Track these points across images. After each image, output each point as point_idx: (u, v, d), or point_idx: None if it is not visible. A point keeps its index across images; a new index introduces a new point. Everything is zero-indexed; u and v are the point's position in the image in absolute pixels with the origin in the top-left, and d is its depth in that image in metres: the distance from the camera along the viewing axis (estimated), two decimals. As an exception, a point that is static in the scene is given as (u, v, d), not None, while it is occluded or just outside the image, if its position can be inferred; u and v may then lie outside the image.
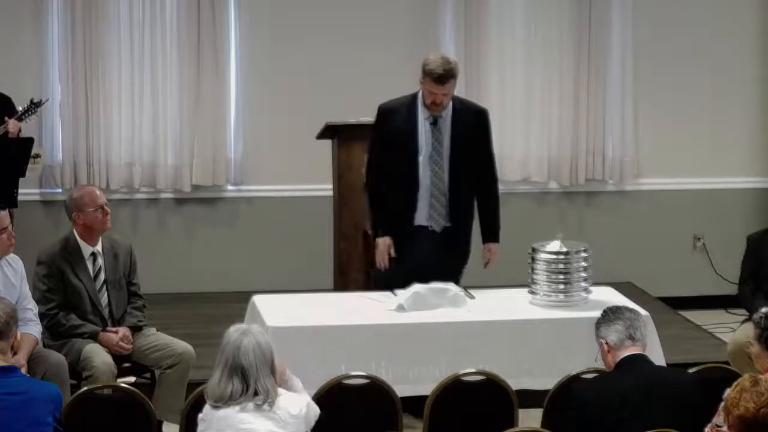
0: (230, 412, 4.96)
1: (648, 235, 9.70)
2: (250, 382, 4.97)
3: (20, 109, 8.22)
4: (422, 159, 7.17)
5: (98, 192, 6.84)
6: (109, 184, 9.10)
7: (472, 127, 7.23)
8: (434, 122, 7.17)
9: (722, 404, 4.54)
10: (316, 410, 5.19)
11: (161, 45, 9.14)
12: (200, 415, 5.06)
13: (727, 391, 4.49)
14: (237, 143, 9.32)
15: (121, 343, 6.68)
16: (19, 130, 8.18)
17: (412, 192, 7.19)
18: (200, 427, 5.04)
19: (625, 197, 9.76)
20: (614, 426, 5.19)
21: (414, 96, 7.21)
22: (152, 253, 8.82)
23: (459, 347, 6.51)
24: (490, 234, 7.40)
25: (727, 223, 9.62)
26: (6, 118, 8.12)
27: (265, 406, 4.97)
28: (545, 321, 6.73)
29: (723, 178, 9.78)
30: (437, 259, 7.18)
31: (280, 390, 5.07)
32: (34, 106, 8.26)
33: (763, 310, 5.56)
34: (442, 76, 7.01)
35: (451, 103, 7.18)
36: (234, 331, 5.11)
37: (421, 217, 7.23)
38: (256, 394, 4.97)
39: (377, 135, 7.28)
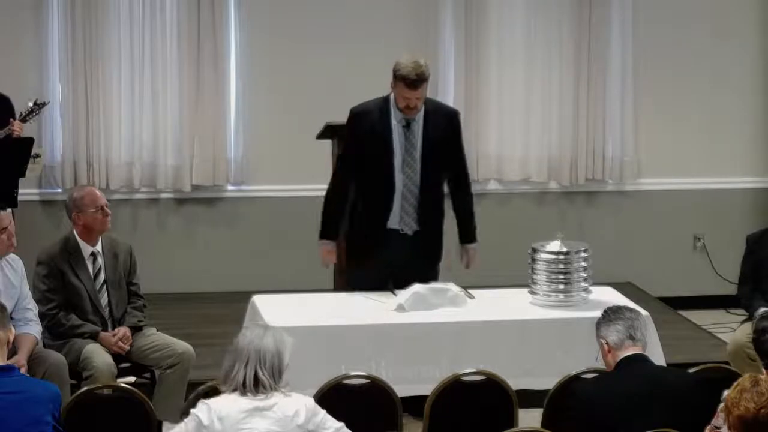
0: (231, 413, 4.95)
1: (648, 235, 9.71)
2: (237, 363, 4.98)
3: (24, 110, 8.22)
4: (396, 162, 7.15)
5: (99, 193, 6.85)
6: (109, 184, 9.10)
7: (443, 130, 7.18)
8: (407, 125, 7.13)
9: (721, 405, 4.54)
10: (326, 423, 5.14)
11: (161, 45, 9.14)
12: (194, 411, 5.04)
13: (725, 393, 4.49)
14: (237, 143, 9.32)
15: (120, 343, 6.68)
16: (21, 131, 8.19)
17: (388, 195, 7.15)
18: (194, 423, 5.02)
19: (625, 197, 9.76)
20: (614, 426, 5.19)
21: (386, 99, 7.16)
22: (152, 253, 8.81)
23: (459, 347, 6.51)
24: (467, 235, 7.36)
25: (727, 223, 9.62)
26: (11, 120, 8.12)
27: (263, 401, 4.97)
28: (545, 321, 6.73)
29: (723, 178, 9.78)
30: (410, 262, 7.15)
31: (278, 394, 5.05)
32: (37, 107, 8.26)
33: (760, 312, 5.56)
34: (415, 81, 6.94)
35: (423, 106, 7.16)
36: (252, 324, 5.17)
37: (393, 221, 7.19)
38: (256, 386, 4.97)
39: (350, 138, 7.24)
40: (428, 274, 7.12)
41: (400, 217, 7.18)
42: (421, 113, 7.13)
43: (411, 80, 6.94)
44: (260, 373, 4.99)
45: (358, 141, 7.17)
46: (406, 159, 7.14)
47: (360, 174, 7.18)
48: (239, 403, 4.98)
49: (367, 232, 7.21)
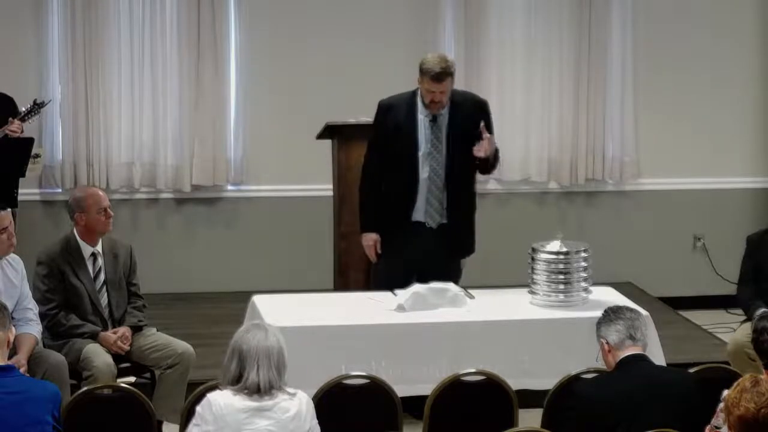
0: (234, 412, 4.95)
1: (648, 235, 9.71)
2: (247, 367, 4.97)
3: (23, 109, 8.22)
4: (421, 155, 7.19)
5: (101, 194, 6.85)
6: (109, 184, 9.10)
7: (470, 119, 7.21)
8: (433, 119, 7.19)
9: (721, 405, 4.55)
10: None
11: (161, 45, 9.14)
12: (198, 409, 5.03)
13: (725, 392, 4.50)
14: (237, 143, 9.32)
15: (119, 342, 6.68)
16: (21, 131, 8.19)
17: (412, 188, 7.20)
18: (196, 422, 5.02)
19: (625, 197, 9.76)
20: (614, 426, 5.19)
21: (414, 93, 7.24)
22: (152, 253, 8.81)
23: (459, 347, 6.51)
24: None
25: (727, 223, 9.62)
26: (10, 119, 8.12)
27: (266, 402, 4.96)
28: (545, 321, 6.73)
29: (723, 178, 9.78)
30: (434, 255, 7.19)
31: (281, 393, 5.05)
32: (37, 106, 8.26)
33: (759, 312, 5.56)
34: (439, 74, 7.03)
35: (449, 100, 7.19)
36: (250, 323, 5.17)
37: (418, 214, 7.25)
38: (267, 388, 4.97)
39: (377, 130, 7.31)
40: (452, 270, 7.15)
41: (425, 210, 7.23)
42: (448, 106, 7.18)
43: (435, 73, 7.02)
44: (272, 375, 4.99)
45: (385, 133, 7.24)
46: (431, 151, 7.20)
47: (385, 166, 7.22)
48: (243, 403, 4.98)
49: (392, 224, 7.24)
